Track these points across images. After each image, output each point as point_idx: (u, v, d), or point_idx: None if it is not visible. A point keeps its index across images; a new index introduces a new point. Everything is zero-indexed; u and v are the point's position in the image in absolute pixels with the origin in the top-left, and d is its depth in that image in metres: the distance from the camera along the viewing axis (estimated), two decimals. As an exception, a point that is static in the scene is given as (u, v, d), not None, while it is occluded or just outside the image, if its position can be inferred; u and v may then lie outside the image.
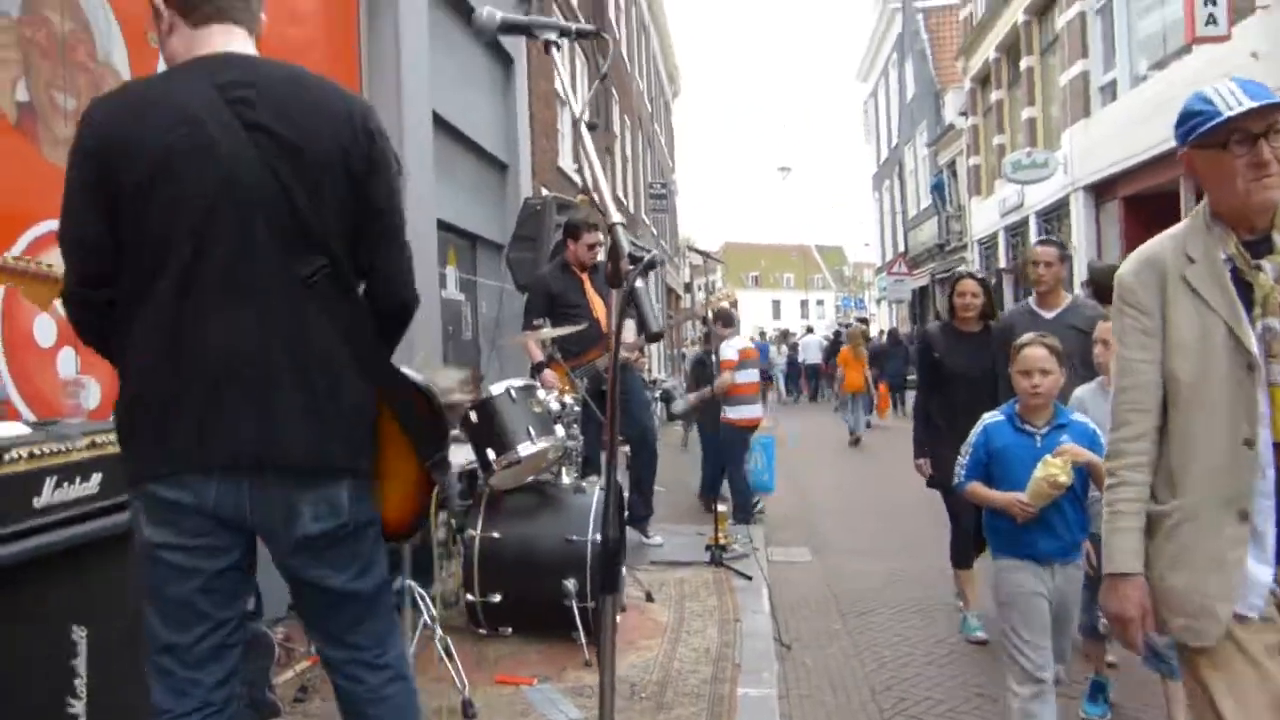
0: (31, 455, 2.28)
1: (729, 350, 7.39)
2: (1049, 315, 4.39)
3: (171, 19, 1.89)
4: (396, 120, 6.33)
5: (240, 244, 1.76)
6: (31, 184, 3.33)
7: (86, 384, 3.22)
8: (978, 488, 3.16)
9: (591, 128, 2.28)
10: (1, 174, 3.22)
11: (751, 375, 7.66)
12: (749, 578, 5.10)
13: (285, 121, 1.77)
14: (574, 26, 1.96)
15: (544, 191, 10.96)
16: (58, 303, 3.38)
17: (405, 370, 2.04)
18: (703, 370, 7.78)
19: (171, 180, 1.74)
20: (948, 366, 4.73)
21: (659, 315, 1.48)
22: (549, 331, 4.88)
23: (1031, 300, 4.63)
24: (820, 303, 78.56)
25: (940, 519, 4.88)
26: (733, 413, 7.28)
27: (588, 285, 5.49)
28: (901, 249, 30.80)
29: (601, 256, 5.57)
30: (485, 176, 9.30)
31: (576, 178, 14.17)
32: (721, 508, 6.21)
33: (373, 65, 6.36)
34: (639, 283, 1.48)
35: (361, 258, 1.89)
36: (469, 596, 3.78)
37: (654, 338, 1.46)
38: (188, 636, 1.85)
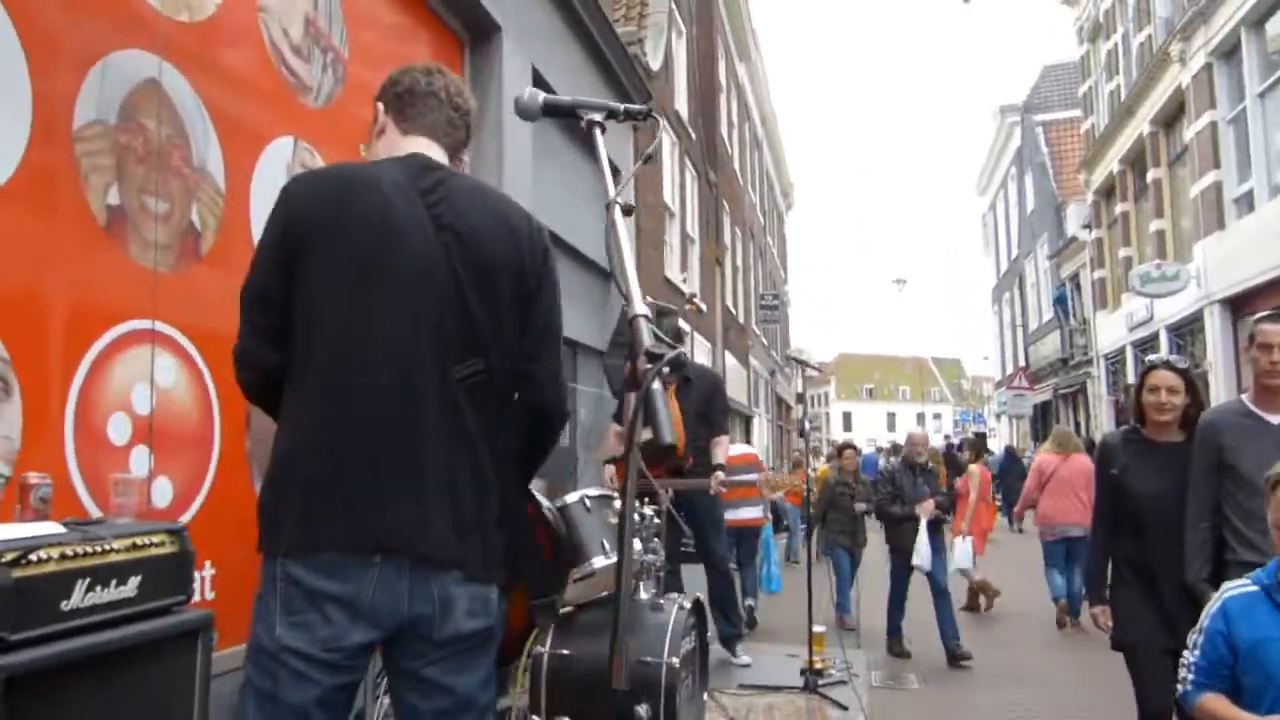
0: (63, 556, 2.19)
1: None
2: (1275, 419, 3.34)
3: (384, 122, 2.04)
4: (496, 226, 6.39)
5: (409, 333, 1.79)
6: (117, 285, 3.39)
7: (137, 483, 3.17)
8: (1218, 704, 2.25)
9: (628, 212, 2.24)
10: (89, 274, 3.28)
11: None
12: (844, 708, 4.68)
13: (471, 227, 1.84)
14: (623, 107, 1.85)
15: (649, 300, 10.96)
16: (133, 399, 3.44)
17: (539, 499, 2.17)
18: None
19: (359, 261, 1.81)
20: (1132, 489, 3.66)
21: (670, 425, 1.29)
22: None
23: (1246, 396, 3.50)
24: (938, 416, 76.43)
25: (1072, 644, 4.39)
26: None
27: (671, 396, 5.31)
28: (1022, 363, 29.78)
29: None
30: (587, 284, 9.33)
31: (684, 287, 14.20)
32: (818, 629, 5.81)
33: (476, 167, 6.47)
34: (657, 384, 1.30)
35: (521, 364, 1.90)
36: (535, 718, 3.53)
37: (663, 451, 1.28)
38: None
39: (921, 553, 7.13)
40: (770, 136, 30.46)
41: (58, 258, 3.16)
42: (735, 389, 19.97)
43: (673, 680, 3.39)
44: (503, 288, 1.84)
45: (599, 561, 3.49)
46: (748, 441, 21.32)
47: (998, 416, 36.73)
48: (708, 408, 5.23)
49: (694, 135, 15.74)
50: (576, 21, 8.24)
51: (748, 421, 21.87)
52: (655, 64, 12.51)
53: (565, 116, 1.84)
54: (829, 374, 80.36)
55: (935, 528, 7.35)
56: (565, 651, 3.54)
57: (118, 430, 3.35)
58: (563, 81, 7.86)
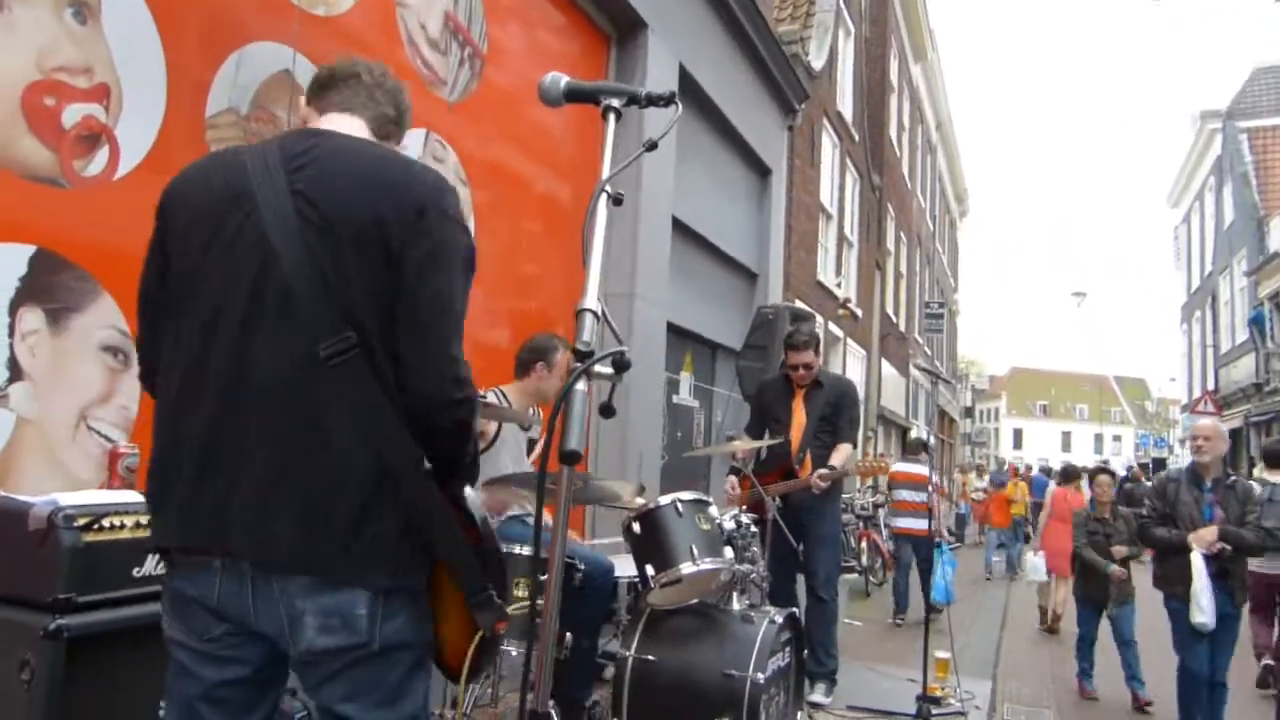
0: (138, 524, 2.26)
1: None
2: None
3: (305, 113, 1.92)
4: (632, 222, 6.37)
5: (258, 313, 1.63)
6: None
7: None
8: None
9: (617, 202, 2.08)
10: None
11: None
12: (958, 743, 4.38)
13: (325, 189, 1.65)
14: (644, 92, 1.72)
15: (797, 304, 10.72)
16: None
17: (450, 489, 1.73)
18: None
19: (206, 241, 1.68)
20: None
21: (579, 432, 1.16)
22: (736, 444, 4.57)
23: None
24: (1117, 438, 71.75)
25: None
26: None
27: (797, 402, 5.10)
28: (1211, 386, 27.53)
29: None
30: (731, 285, 9.20)
31: (838, 291, 13.83)
32: (942, 654, 5.48)
33: (615, 162, 6.44)
34: (580, 385, 1.18)
35: (392, 344, 1.64)
36: (616, 721, 3.46)
37: (566, 458, 1.15)
38: None
39: (1202, 605, 4.74)
40: (945, 141, 29.33)
41: (184, 239, 3.31)
42: (892, 399, 19.32)
43: (756, 696, 3.24)
44: (364, 252, 1.61)
45: (687, 568, 3.39)
46: (906, 455, 20.58)
47: (1182, 442, 34.12)
48: (834, 415, 4.96)
49: (857, 137, 15.31)
50: (730, 19, 8.11)
51: (904, 433, 21.12)
52: (818, 63, 12.22)
53: (587, 101, 1.74)
54: (1000, 388, 76.85)
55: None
56: (650, 657, 3.45)
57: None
58: (710, 78, 7.76)
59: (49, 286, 2.88)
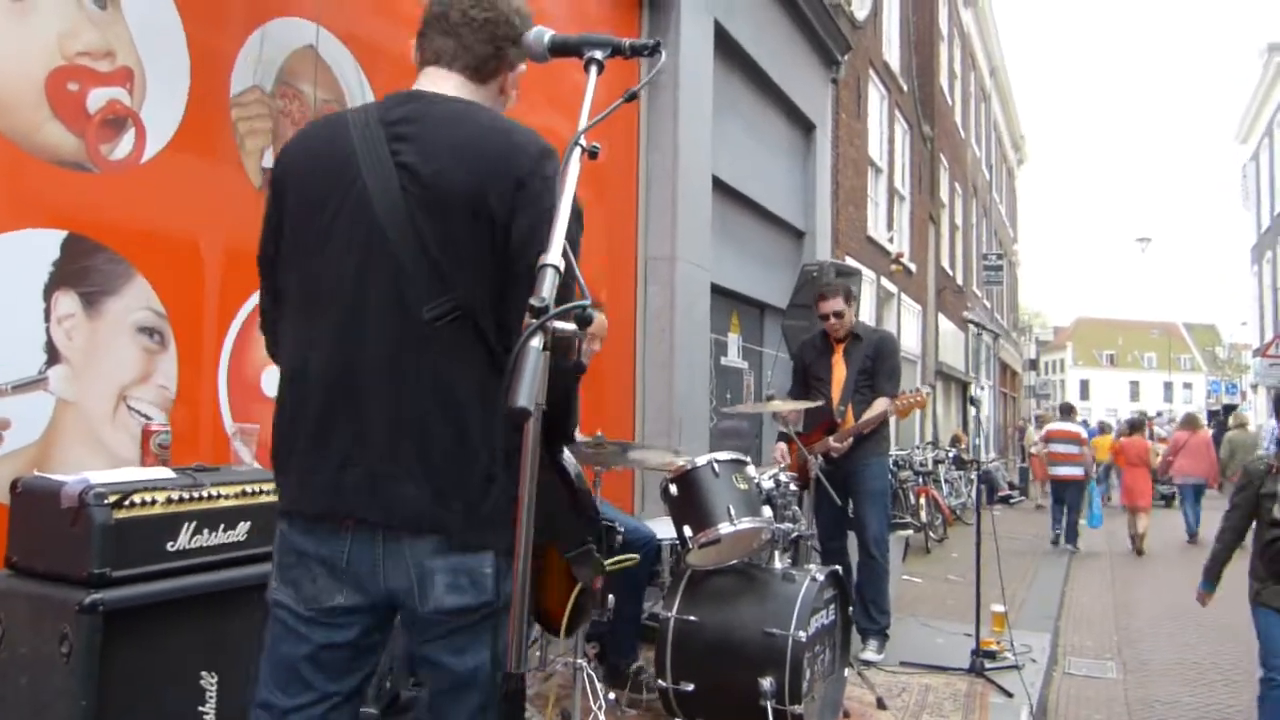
0: (169, 500, 2.30)
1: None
2: None
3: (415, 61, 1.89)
4: (670, 183, 6.30)
5: (367, 282, 1.65)
6: (271, 243, 3.54)
7: (255, 432, 3.32)
8: None
9: (592, 155, 1.93)
10: (243, 235, 3.43)
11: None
12: (1009, 694, 4.28)
13: (429, 157, 1.66)
14: (628, 43, 1.66)
15: (848, 260, 10.55)
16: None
17: (564, 463, 1.77)
18: None
19: (315, 210, 1.71)
20: None
21: (530, 388, 1.11)
22: (776, 404, 4.50)
23: None
24: (1188, 386, 69.76)
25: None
26: None
27: (837, 358, 5.00)
28: (1285, 329, 26.55)
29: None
30: (777, 243, 9.08)
31: (889, 246, 13.59)
32: (997, 608, 5.39)
33: (651, 124, 6.39)
34: (535, 341, 1.14)
35: (502, 311, 1.65)
36: (661, 682, 3.45)
37: (513, 415, 1.11)
38: (286, 699, 1.75)
39: None
40: (1000, 87, 28.51)
41: (213, 218, 3.34)
42: (950, 354, 19.00)
43: (799, 654, 3.21)
44: (468, 224, 1.62)
45: (725, 528, 3.36)
46: (970, 401, 20.43)
47: (1254, 387, 33.05)
48: (873, 368, 4.86)
49: (905, 87, 14.95)
50: (766, -29, 7.94)
51: (964, 387, 20.77)
52: (861, 13, 11.93)
53: (571, 55, 1.68)
54: (1065, 339, 75.11)
55: None
56: (692, 618, 3.44)
57: (271, 382, 3.53)
58: (747, 33, 7.61)
59: (82, 270, 2.93)
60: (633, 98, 1.61)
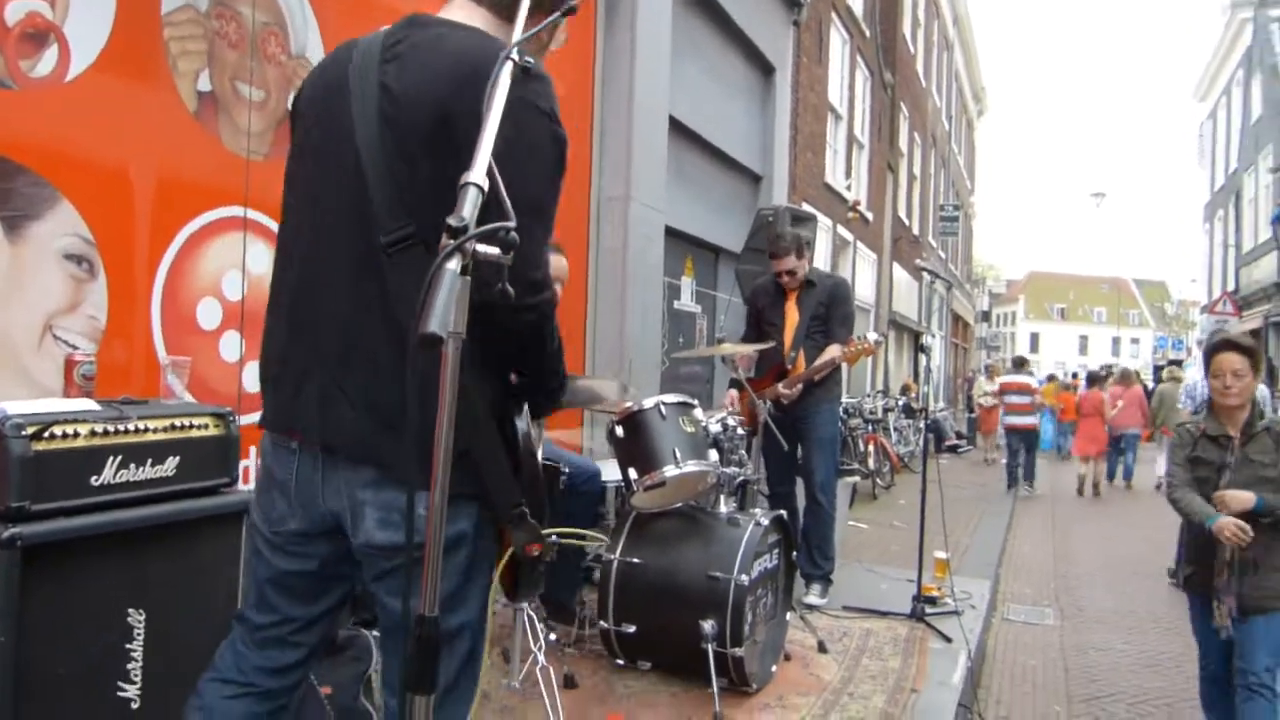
0: (93, 433, 2.22)
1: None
2: None
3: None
4: (626, 121, 6.19)
5: (339, 203, 1.64)
6: (207, 171, 3.42)
7: (186, 364, 3.22)
8: None
9: (525, 71, 1.73)
10: (177, 159, 3.31)
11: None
12: (948, 639, 4.36)
13: (406, 76, 1.58)
14: None
15: (804, 206, 10.51)
16: (223, 285, 3.52)
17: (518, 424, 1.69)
18: None
19: (311, 132, 1.74)
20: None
21: (442, 314, 1.03)
22: (726, 347, 4.47)
23: None
24: (1135, 341, 71.16)
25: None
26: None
27: (790, 304, 4.96)
28: (1232, 287, 27.11)
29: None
30: (733, 187, 9.00)
31: (847, 194, 13.56)
32: (940, 555, 5.48)
33: (607, 62, 6.26)
34: (451, 263, 1.07)
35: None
36: (603, 623, 3.46)
37: (424, 340, 1.03)
38: (256, 616, 1.79)
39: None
40: (962, 37, 28.38)
41: (145, 142, 3.20)
42: (904, 303, 19.14)
43: (741, 598, 3.22)
44: (428, 142, 1.54)
45: (670, 470, 3.34)
46: (920, 348, 20.71)
47: (1199, 343, 33.84)
48: (826, 314, 4.84)
49: (868, 33, 14.80)
50: (727, -94, 7.75)
51: (916, 337, 20.98)
52: (825, -46, 11.75)
53: None
54: (1017, 292, 76.11)
55: None
56: (635, 560, 3.44)
57: (208, 315, 3.43)
58: (708, -30, 7.45)
59: (2, 193, 2.79)
60: (571, 10, 1.52)
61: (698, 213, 8.05)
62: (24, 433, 2.08)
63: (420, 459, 1.49)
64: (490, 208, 1.19)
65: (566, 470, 3.53)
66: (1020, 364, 14.26)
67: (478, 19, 1.70)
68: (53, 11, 2.93)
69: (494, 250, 1.12)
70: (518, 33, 1.43)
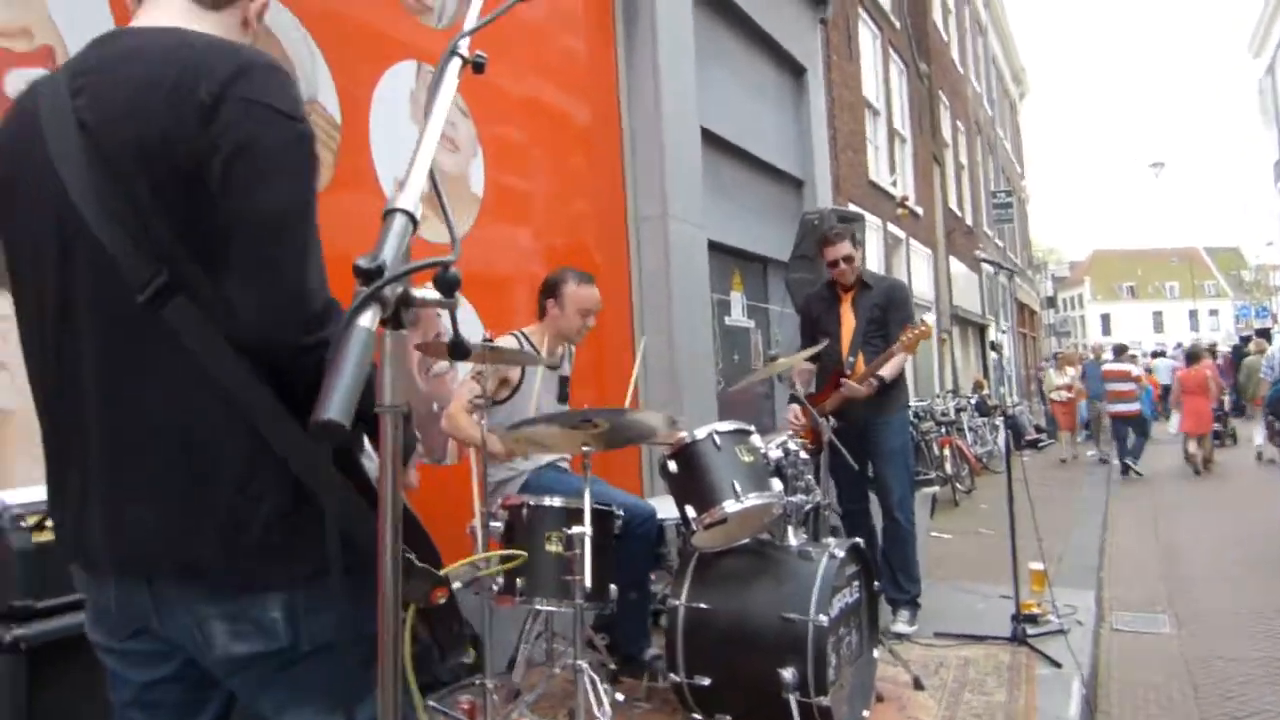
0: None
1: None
2: None
3: (134, 10, 1.49)
4: (656, 137, 5.96)
5: (71, 269, 1.32)
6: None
7: None
8: None
9: (478, 69, 1.06)
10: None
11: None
12: (1058, 665, 3.97)
13: (103, 105, 1.30)
14: None
15: (850, 206, 10.17)
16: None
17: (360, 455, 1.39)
18: None
19: (8, 197, 1.39)
20: None
21: (346, 394, 0.76)
22: (781, 363, 4.17)
23: None
24: (1214, 313, 68.70)
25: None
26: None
27: (845, 308, 4.65)
28: (1312, 244, 25.91)
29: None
30: (775, 195, 8.71)
31: (893, 190, 13.18)
32: (1035, 565, 5.07)
33: (631, 79, 6.04)
34: (364, 318, 0.80)
35: (220, 283, 1.27)
36: (674, 676, 3.17)
37: (319, 430, 0.75)
38: None
39: None
40: (995, 18, 27.76)
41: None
42: (965, 297, 18.57)
43: (821, 640, 2.91)
44: (149, 174, 1.26)
45: (730, 506, 3.05)
46: (990, 346, 20.26)
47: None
48: (884, 317, 4.51)
49: (898, 24, 14.44)
50: (741, -91, 7.52)
51: (981, 331, 20.36)
52: (847, -52, 11.46)
53: None
54: (1082, 274, 74.14)
55: None
56: (702, 605, 3.15)
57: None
58: (726, -25, 7.21)
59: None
60: None
61: (741, 224, 7.77)
62: (24, 524, 1.93)
63: (255, 552, 1.28)
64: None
65: (620, 513, 3.26)
66: (1120, 351, 14.11)
67: (174, 13, 1.41)
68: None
69: (432, 294, 0.86)
70: (470, 22, 1.17)
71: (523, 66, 5.09)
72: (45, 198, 1.32)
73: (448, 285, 0.89)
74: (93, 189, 1.28)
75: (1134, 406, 12.66)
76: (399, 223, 0.89)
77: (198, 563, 1.29)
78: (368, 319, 0.81)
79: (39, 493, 2.02)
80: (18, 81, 2.73)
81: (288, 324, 1.23)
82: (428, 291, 0.88)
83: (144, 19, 1.43)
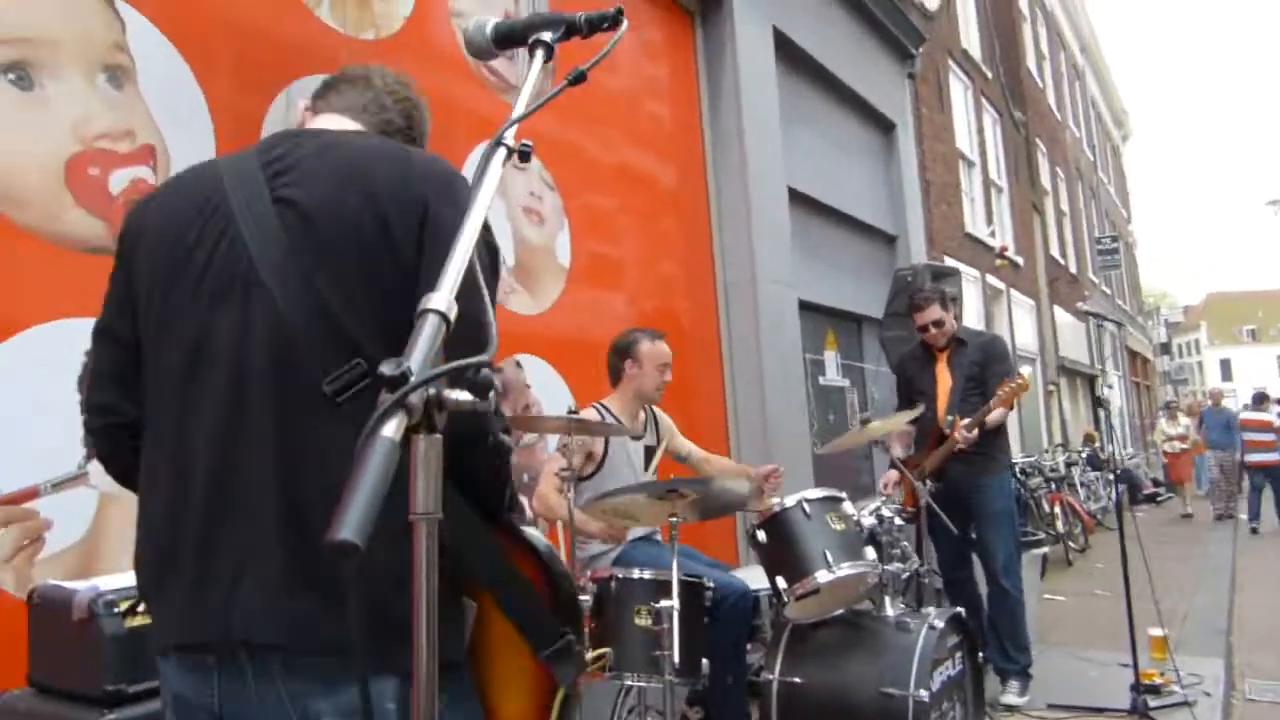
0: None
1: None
2: None
3: (302, 117, 1.62)
4: (743, 200, 6.00)
5: (248, 344, 1.32)
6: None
7: None
8: None
9: (524, 157, 1.07)
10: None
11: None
12: (1186, 743, 3.76)
13: (312, 184, 1.34)
14: (582, 17, 1.36)
15: (946, 260, 10.02)
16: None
17: (519, 528, 1.43)
18: None
19: (176, 269, 1.38)
20: None
21: (362, 513, 0.74)
22: (873, 428, 4.10)
23: None
24: (1345, 355, 64.91)
25: None
26: None
27: (941, 366, 4.56)
28: None
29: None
30: (867, 251, 8.64)
31: (991, 241, 12.94)
32: (1156, 632, 4.81)
33: (716, 143, 6.11)
34: (388, 428, 0.78)
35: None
36: (770, 754, 3.11)
37: (332, 549, 0.72)
38: None
39: None
40: (1093, 63, 27.24)
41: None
42: (1071, 347, 17.98)
43: (923, 715, 2.82)
44: (358, 255, 1.30)
45: (822, 576, 3.00)
46: (1097, 402, 19.45)
47: None
48: (982, 374, 4.40)
49: (990, 74, 14.28)
50: (825, -29, 7.61)
51: (1091, 381, 19.64)
52: (933, 4, 11.45)
53: (518, 44, 1.38)
54: (1197, 318, 71.01)
55: None
56: (797, 680, 3.08)
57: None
58: (810, 37, 7.28)
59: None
60: (580, 79, 1.29)
61: (833, 283, 7.73)
62: (116, 610, 1.99)
63: (384, 636, 1.19)
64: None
65: (711, 584, 3.23)
66: (1259, 400, 13.47)
67: (349, 125, 1.52)
68: (155, 175, 2.99)
69: (464, 396, 0.88)
70: (518, 109, 1.21)
71: (608, 134, 5.20)
72: (226, 269, 1.34)
73: (481, 388, 0.89)
74: (292, 263, 1.30)
75: (1274, 456, 12.29)
76: (430, 324, 0.90)
77: (336, 639, 1.23)
78: (391, 429, 0.80)
79: (131, 578, 2.11)
80: (121, 181, 2.92)
81: (481, 417, 1.25)
82: (461, 394, 0.88)
83: (324, 124, 1.53)
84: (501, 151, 1.13)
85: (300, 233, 1.32)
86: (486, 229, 1.31)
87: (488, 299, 1.02)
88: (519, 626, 1.35)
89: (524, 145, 1.17)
